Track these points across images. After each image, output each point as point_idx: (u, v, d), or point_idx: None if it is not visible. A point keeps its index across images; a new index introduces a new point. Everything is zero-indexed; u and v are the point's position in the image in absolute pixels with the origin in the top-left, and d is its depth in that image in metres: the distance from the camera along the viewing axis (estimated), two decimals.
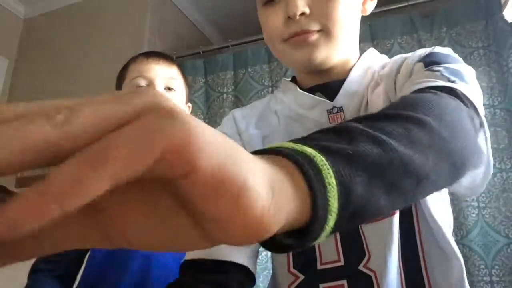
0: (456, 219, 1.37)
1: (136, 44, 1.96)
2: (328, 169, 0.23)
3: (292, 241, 0.24)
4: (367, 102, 0.58)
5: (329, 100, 0.60)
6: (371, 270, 0.52)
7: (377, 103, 0.56)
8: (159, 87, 0.96)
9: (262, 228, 0.19)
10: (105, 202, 0.18)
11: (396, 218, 0.53)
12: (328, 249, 0.56)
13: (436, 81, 0.46)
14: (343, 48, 0.59)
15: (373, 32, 1.71)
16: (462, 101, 0.43)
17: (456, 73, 0.49)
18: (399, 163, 0.29)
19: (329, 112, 0.59)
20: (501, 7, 1.57)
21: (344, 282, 0.54)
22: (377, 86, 0.58)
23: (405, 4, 1.70)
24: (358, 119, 0.32)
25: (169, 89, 0.98)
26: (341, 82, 0.60)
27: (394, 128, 0.31)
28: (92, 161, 0.15)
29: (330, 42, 0.57)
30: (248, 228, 0.19)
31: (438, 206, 0.55)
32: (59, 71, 2.17)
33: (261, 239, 0.20)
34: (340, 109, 0.58)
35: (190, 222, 0.19)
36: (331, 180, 0.23)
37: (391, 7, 1.70)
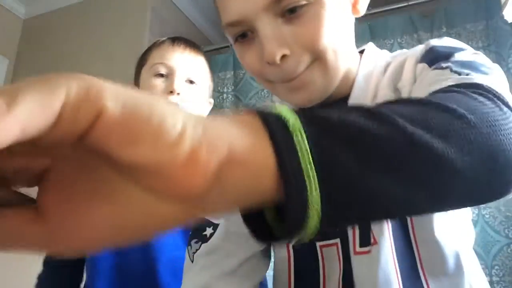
0: None
1: (136, 44, 1.96)
2: (300, 128, 0.20)
3: (280, 227, 0.21)
4: None
5: None
6: None
7: None
8: (180, 78, 0.90)
9: (198, 163, 0.17)
10: (46, 203, 0.18)
11: (384, 248, 0.47)
12: (332, 279, 0.51)
13: (449, 78, 0.38)
14: (341, 65, 0.51)
15: (373, 32, 1.71)
16: (490, 98, 0.32)
17: (467, 64, 0.41)
18: (403, 140, 0.23)
19: None
20: (501, 7, 1.57)
21: None
22: (381, 99, 0.51)
23: (405, 4, 1.70)
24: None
25: (191, 82, 0.92)
26: (345, 98, 0.53)
27: (405, 110, 0.25)
28: None
29: (326, 71, 0.48)
30: (182, 167, 0.17)
31: (447, 226, 0.48)
32: (59, 71, 2.16)
33: (206, 176, 0.17)
34: None
35: (135, 189, 0.18)
36: (303, 143, 0.20)
37: (391, 7, 1.70)
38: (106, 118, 0.16)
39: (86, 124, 0.16)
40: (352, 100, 0.52)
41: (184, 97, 0.90)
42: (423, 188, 0.24)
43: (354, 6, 0.52)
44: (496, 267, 1.35)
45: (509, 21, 1.53)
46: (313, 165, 0.19)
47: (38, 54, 2.27)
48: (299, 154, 0.19)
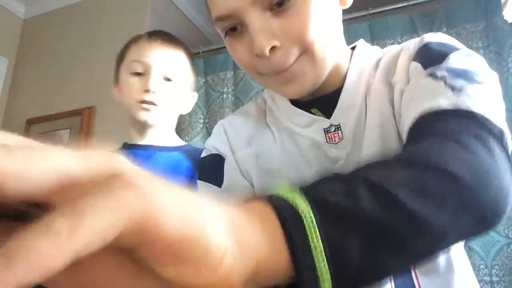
0: None
1: None
2: (314, 227, 0.22)
3: None
4: (365, 114, 0.53)
5: (326, 115, 0.55)
6: None
7: (375, 114, 0.52)
8: (156, 76, 0.89)
9: (232, 281, 0.19)
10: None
11: None
12: None
13: (443, 96, 0.40)
14: (330, 57, 0.52)
15: (373, 32, 1.70)
16: (483, 142, 0.35)
17: (461, 74, 0.42)
18: (406, 221, 0.26)
19: (326, 131, 0.54)
20: (501, 7, 1.57)
21: None
22: (374, 93, 0.53)
23: (405, 4, 1.69)
24: (369, 165, 0.30)
25: (168, 79, 0.91)
26: (336, 92, 0.55)
27: (405, 177, 0.28)
28: (53, 235, 0.14)
29: (315, 63, 0.50)
30: (218, 285, 0.19)
31: None
32: (59, 71, 2.17)
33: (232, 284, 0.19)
34: (338, 127, 0.54)
35: (154, 280, 0.19)
36: (317, 243, 0.22)
37: (391, 7, 1.70)
38: (158, 247, 0.17)
39: (135, 247, 0.17)
40: (344, 94, 0.54)
41: (160, 95, 0.89)
42: (423, 256, 0.28)
43: None
44: (496, 267, 1.34)
45: (509, 21, 1.53)
46: (326, 265, 0.22)
47: (38, 54, 2.27)
48: (314, 255, 0.22)
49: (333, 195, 0.24)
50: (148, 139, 0.95)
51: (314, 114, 0.56)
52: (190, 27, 2.44)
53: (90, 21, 2.20)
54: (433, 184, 0.28)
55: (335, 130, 0.54)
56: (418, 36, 1.77)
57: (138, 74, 0.90)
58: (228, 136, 0.62)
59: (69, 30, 2.24)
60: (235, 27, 0.49)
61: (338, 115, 0.54)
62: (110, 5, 2.18)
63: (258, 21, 0.47)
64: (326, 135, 0.54)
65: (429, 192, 0.28)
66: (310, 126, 0.56)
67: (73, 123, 1.99)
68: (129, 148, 0.96)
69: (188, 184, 0.96)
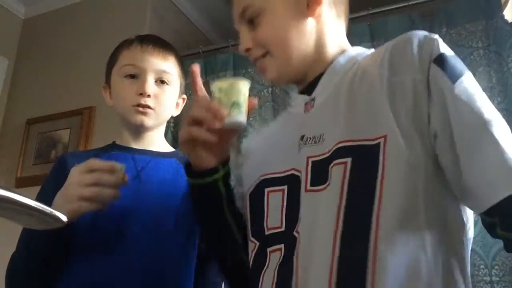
0: None
1: None
2: None
3: None
4: (347, 89, 0.61)
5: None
6: (298, 232, 0.56)
7: (362, 90, 0.59)
8: (151, 80, 0.90)
9: None
10: None
11: (334, 190, 0.55)
12: (274, 216, 0.61)
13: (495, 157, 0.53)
14: (297, 57, 0.67)
15: (372, 32, 1.70)
16: None
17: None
18: None
19: (306, 104, 0.68)
20: (501, 7, 1.57)
21: (282, 245, 0.58)
22: (361, 75, 0.61)
23: (405, 4, 1.69)
24: None
25: (162, 81, 0.92)
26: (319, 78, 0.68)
27: None
28: None
29: (276, 60, 0.68)
30: None
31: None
32: (59, 71, 2.17)
33: None
34: (313, 99, 0.67)
35: None
36: None
37: (391, 7, 1.69)
38: None
39: None
40: (325, 77, 0.67)
41: (155, 99, 0.90)
42: None
43: (310, 9, 0.66)
44: (496, 267, 1.34)
45: (509, 21, 1.53)
46: None
47: (38, 54, 2.27)
48: None
49: None
50: (142, 144, 0.96)
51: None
52: (190, 27, 2.44)
53: (90, 21, 2.20)
54: None
55: (310, 101, 0.67)
56: None
57: (132, 76, 0.91)
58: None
59: (69, 30, 2.24)
60: None
61: (316, 91, 0.67)
62: (110, 5, 2.18)
63: (242, 31, 0.69)
64: (305, 106, 0.68)
65: None
66: (298, 103, 0.71)
67: (73, 123, 1.99)
68: (121, 150, 0.95)
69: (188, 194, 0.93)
